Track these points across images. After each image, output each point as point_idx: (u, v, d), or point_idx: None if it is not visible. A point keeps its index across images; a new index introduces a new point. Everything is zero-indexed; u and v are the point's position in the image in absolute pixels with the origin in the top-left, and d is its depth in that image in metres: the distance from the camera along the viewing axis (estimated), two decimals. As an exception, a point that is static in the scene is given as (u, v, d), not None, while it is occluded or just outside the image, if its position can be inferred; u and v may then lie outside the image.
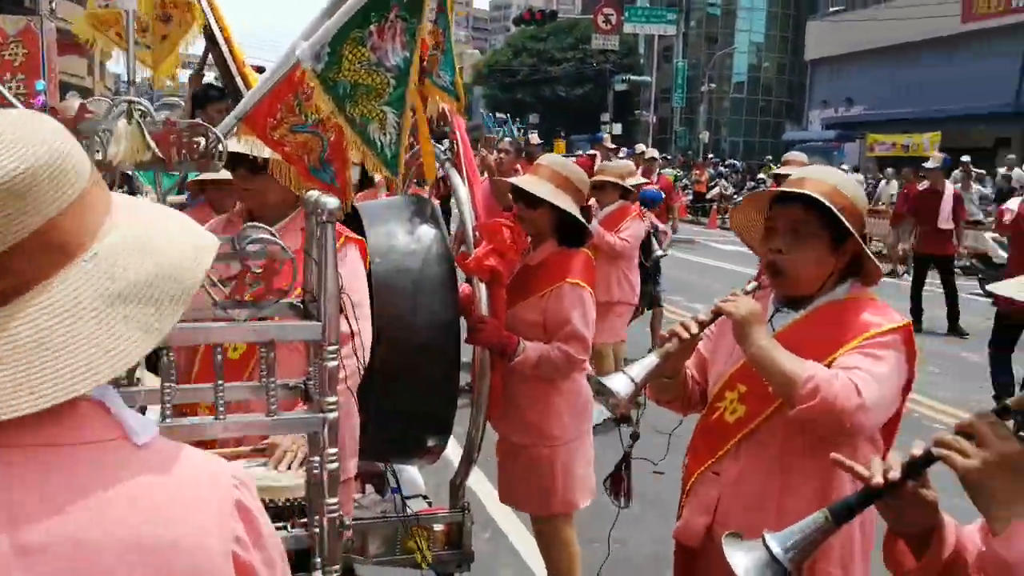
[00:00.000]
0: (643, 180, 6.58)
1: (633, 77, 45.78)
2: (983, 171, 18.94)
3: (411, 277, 2.74)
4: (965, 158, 18.29)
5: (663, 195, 7.87)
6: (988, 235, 14.18)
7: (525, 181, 3.01)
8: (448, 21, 3.06)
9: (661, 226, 7.37)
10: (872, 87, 34.42)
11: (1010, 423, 1.24)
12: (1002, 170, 18.29)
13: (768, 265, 2.02)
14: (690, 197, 26.88)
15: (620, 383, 1.89)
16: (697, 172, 30.45)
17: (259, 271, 1.58)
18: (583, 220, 2.99)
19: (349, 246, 2.51)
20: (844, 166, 25.10)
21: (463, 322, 2.92)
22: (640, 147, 14.81)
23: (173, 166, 1.52)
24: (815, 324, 2.00)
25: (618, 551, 4.03)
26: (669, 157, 32.92)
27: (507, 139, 7.88)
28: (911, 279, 9.77)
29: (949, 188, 9.97)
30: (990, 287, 1.19)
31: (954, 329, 9.37)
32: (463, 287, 3.04)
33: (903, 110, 31.51)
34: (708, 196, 26.84)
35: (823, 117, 36.86)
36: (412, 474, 3.83)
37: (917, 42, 31.19)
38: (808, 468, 1.96)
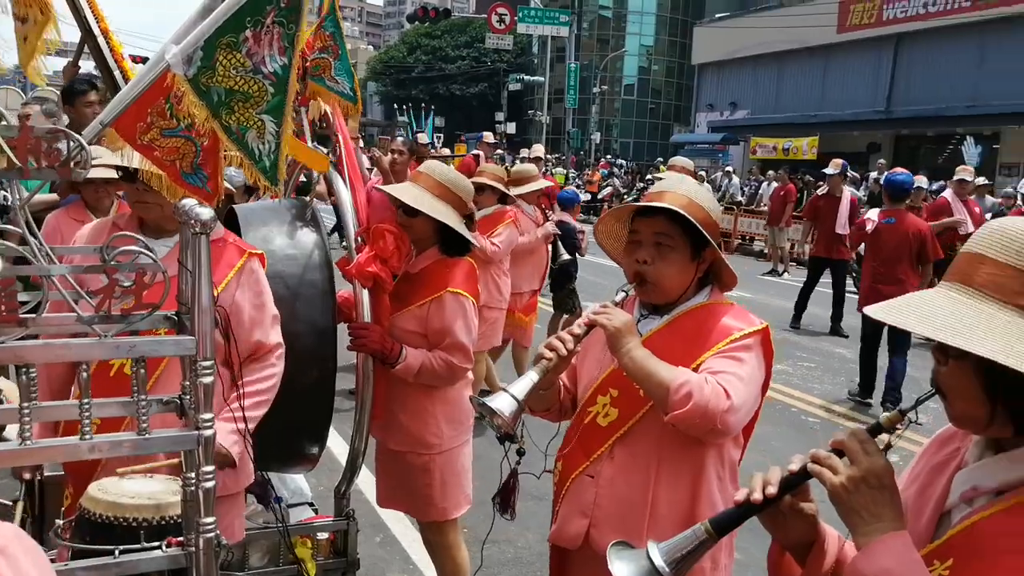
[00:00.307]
0: (548, 183, 6.58)
1: (527, 77, 46.15)
2: (857, 175, 19.91)
3: (288, 282, 2.68)
4: (842, 162, 19.20)
5: (579, 196, 7.90)
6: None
7: (401, 190, 2.97)
8: (338, 24, 3.02)
9: (578, 226, 7.28)
10: (755, 92, 35.73)
11: (888, 436, 1.30)
12: (873, 174, 19.27)
13: (635, 275, 2.10)
14: (585, 197, 27.31)
15: (504, 403, 1.91)
16: (589, 172, 30.99)
17: (129, 284, 1.52)
18: (464, 229, 2.95)
19: (253, 260, 2.45)
20: (728, 167, 26.03)
21: (344, 328, 2.89)
22: (528, 150, 14.98)
23: (32, 174, 1.43)
24: (679, 330, 2.08)
25: (508, 550, 4.07)
26: (562, 156, 33.36)
27: (399, 139, 7.78)
28: (805, 279, 10.00)
29: (847, 194, 10.24)
30: (865, 310, 1.25)
31: (836, 330, 9.73)
32: (342, 293, 3.00)
33: (784, 115, 32.83)
34: (600, 196, 27.31)
35: (709, 120, 38.00)
36: (298, 482, 3.76)
37: (797, 50, 32.53)
38: (680, 468, 2.04)
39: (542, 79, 39.92)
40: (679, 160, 7.63)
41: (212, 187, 1.85)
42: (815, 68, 32.45)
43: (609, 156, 39.23)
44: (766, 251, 17.28)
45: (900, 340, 6.71)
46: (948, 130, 26.65)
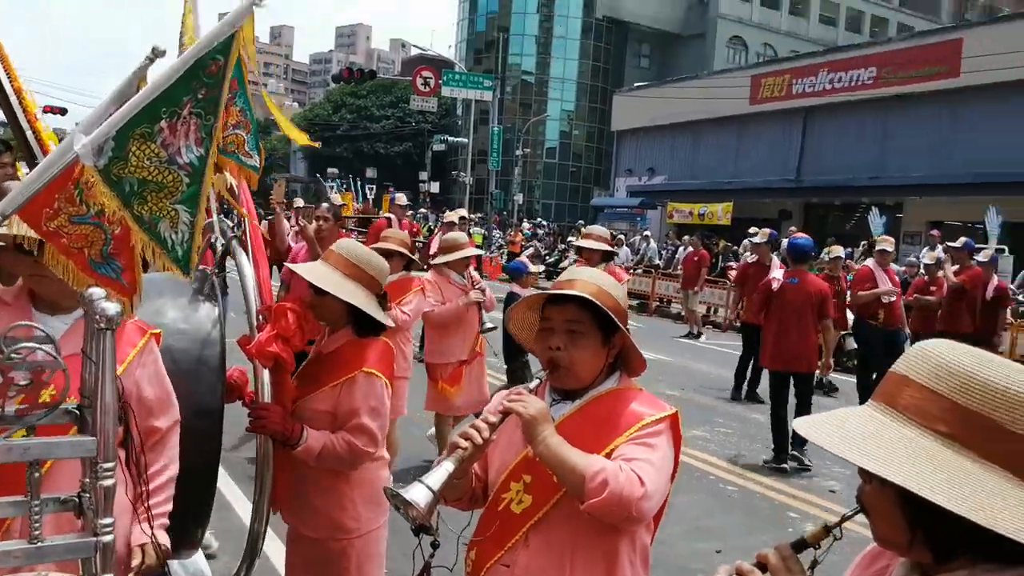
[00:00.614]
0: (479, 252, 6.60)
1: (451, 138, 46.67)
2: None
3: (176, 358, 2.59)
4: (753, 229, 19.88)
5: (527, 266, 7.82)
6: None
7: (309, 270, 2.92)
8: (248, 100, 3.00)
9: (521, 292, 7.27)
10: (672, 159, 36.86)
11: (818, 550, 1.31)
12: (784, 242, 19.93)
13: (548, 361, 2.12)
14: (505, 258, 27.54)
15: (419, 494, 1.88)
16: (512, 233, 31.32)
17: (26, 383, 1.46)
18: (376, 310, 2.88)
19: (152, 340, 2.37)
20: (646, 232, 26.64)
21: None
22: (451, 212, 15.09)
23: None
24: (590, 415, 2.10)
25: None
26: (485, 217, 33.64)
27: (324, 206, 7.67)
28: (742, 349, 9.97)
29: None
30: (797, 427, 1.26)
31: (752, 395, 9.88)
32: (232, 370, 2.91)
33: (699, 181, 33.90)
34: (522, 256, 27.60)
35: (628, 184, 38.94)
36: (198, 563, 3.62)
37: (712, 120, 33.78)
38: (594, 555, 2.04)
39: (466, 140, 40.44)
40: (595, 228, 7.76)
41: (128, 280, 1.80)
42: (729, 137, 33.70)
43: (539, 219, 39.79)
44: (683, 313, 17.66)
45: (804, 400, 7.13)
46: (854, 199, 27.92)
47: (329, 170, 41.68)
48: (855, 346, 13.01)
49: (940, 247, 15.06)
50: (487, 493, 2.22)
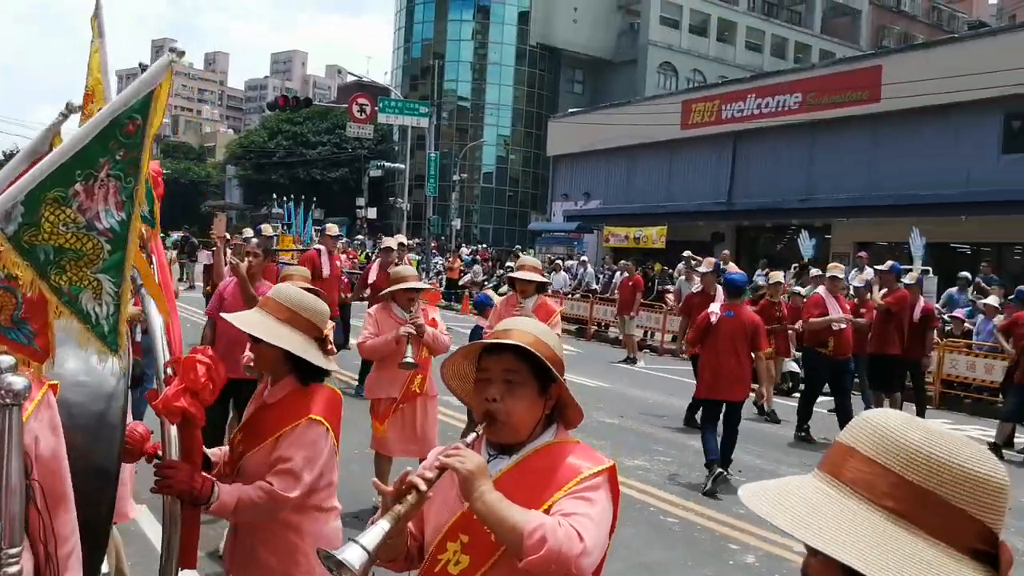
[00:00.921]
0: (423, 285, 6.16)
1: (388, 164, 46.50)
2: (700, 259, 20.93)
3: (72, 411, 2.42)
4: (687, 253, 20.20)
5: (492, 299, 7.75)
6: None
7: (241, 318, 2.84)
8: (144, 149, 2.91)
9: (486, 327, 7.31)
10: (607, 183, 37.29)
11: None
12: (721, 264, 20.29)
13: (485, 414, 2.08)
14: (444, 284, 27.46)
15: (353, 555, 1.80)
16: (450, 259, 31.25)
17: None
18: (315, 355, 2.81)
19: (51, 393, 2.25)
20: (584, 257, 26.85)
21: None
22: (390, 238, 14.95)
23: None
24: (528, 470, 2.07)
25: None
26: (423, 242, 33.54)
27: (253, 241, 7.53)
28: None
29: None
30: (743, 498, 1.23)
31: (689, 421, 9.98)
32: (133, 426, 2.77)
33: (634, 205, 34.34)
34: (461, 283, 27.53)
35: (564, 209, 39.24)
36: None
37: (645, 144, 34.31)
38: None
39: (403, 166, 40.37)
40: (528, 260, 7.86)
41: (41, 345, 1.72)
42: (662, 162, 34.26)
43: (475, 246, 39.80)
44: (620, 338, 17.81)
45: (732, 424, 7.62)
46: (784, 221, 28.58)
47: (275, 211, 41.19)
48: (792, 368, 13.29)
49: (868, 269, 15.51)
50: (423, 553, 2.17)
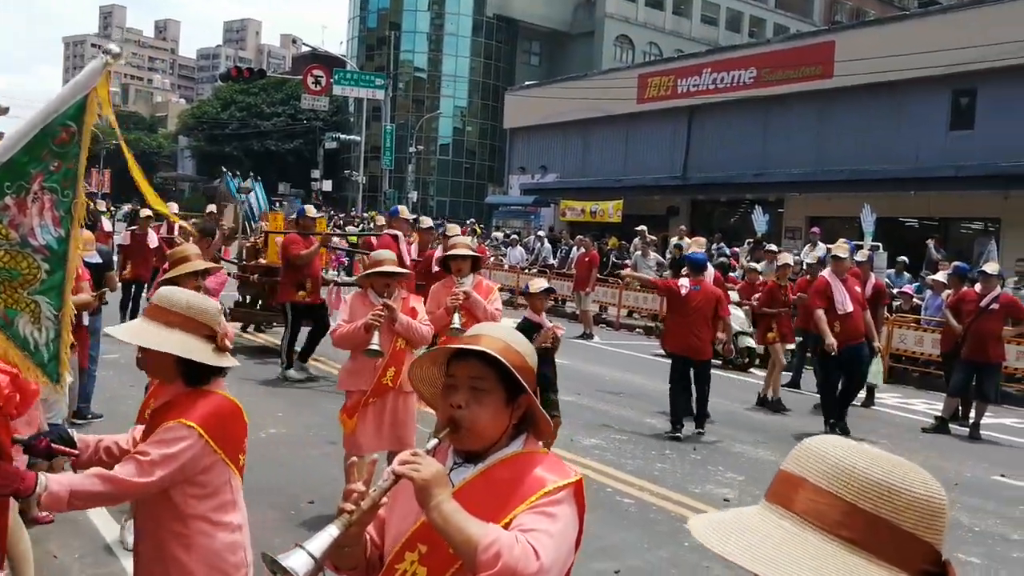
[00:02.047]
0: (399, 270, 5.56)
1: (343, 136, 45.91)
2: (655, 238, 21.11)
3: None
4: (641, 227, 20.30)
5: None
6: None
7: (123, 329, 2.76)
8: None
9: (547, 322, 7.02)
10: (564, 157, 37.27)
11: None
12: (674, 239, 20.43)
13: (449, 420, 2.04)
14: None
15: (299, 561, 1.77)
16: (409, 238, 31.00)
17: None
18: (203, 353, 2.70)
19: None
20: (540, 232, 26.84)
21: None
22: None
23: None
24: (492, 480, 2.02)
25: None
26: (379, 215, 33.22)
27: (192, 221, 7.37)
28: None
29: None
30: (694, 531, 1.20)
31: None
32: None
33: (590, 179, 34.40)
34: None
35: (521, 182, 39.16)
36: None
37: (601, 118, 34.31)
38: None
39: (358, 138, 39.86)
40: (459, 238, 7.65)
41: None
42: (618, 136, 34.30)
43: (440, 220, 39.56)
44: (577, 313, 17.89)
45: (702, 381, 8.60)
46: (739, 196, 28.87)
47: (243, 184, 39.24)
48: (749, 344, 13.47)
49: (821, 245, 15.73)
50: (384, 562, 2.14)
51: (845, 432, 8.75)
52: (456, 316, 6.09)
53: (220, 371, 2.82)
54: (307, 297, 10.05)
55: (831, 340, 8.76)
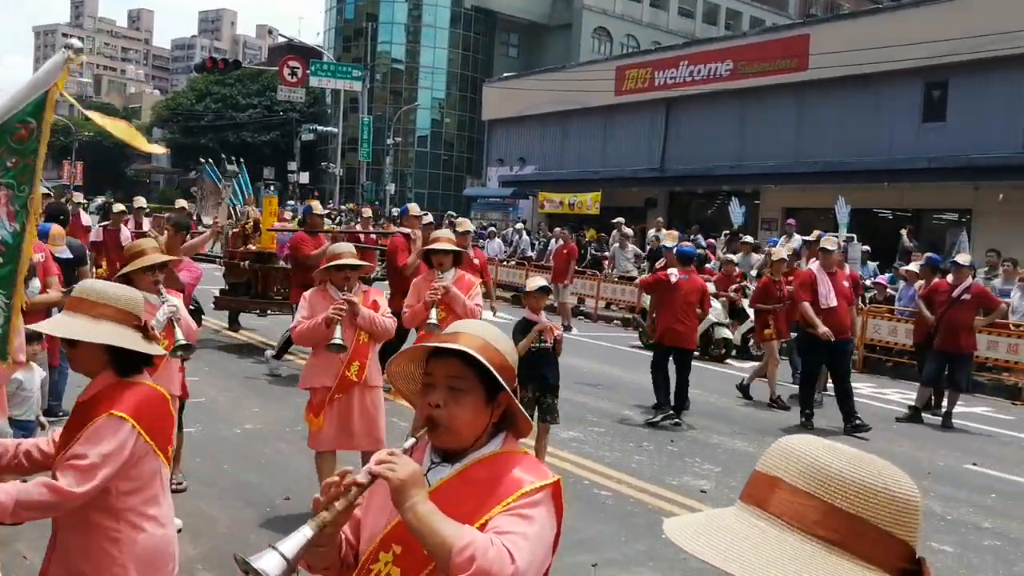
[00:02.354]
0: (358, 262, 5.42)
1: (320, 128, 45.63)
2: (631, 230, 21.16)
3: None
4: (619, 220, 20.35)
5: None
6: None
7: (51, 324, 2.75)
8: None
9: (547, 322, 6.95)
10: (542, 149, 37.25)
11: None
12: (652, 231, 20.52)
13: (427, 419, 2.02)
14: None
15: (271, 563, 1.75)
16: (385, 225, 30.89)
17: None
18: (132, 341, 2.68)
19: None
20: (520, 224, 26.84)
21: None
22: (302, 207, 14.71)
23: None
24: (470, 480, 2.01)
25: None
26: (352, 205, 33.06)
27: (166, 215, 7.29)
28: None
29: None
30: (669, 533, 1.19)
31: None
32: None
33: (569, 171, 34.41)
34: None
35: (500, 174, 39.12)
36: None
37: (579, 110, 34.33)
38: None
39: (335, 130, 39.64)
40: (443, 231, 7.43)
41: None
42: (596, 128, 34.33)
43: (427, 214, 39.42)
44: (555, 305, 17.88)
45: (684, 368, 8.87)
46: (715, 188, 28.99)
47: (228, 167, 37.75)
48: (726, 335, 13.54)
49: (797, 237, 15.83)
50: (358, 561, 2.12)
51: (863, 427, 8.79)
52: (434, 311, 6.05)
53: (149, 361, 2.80)
54: None
55: (823, 328, 8.66)
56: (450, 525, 1.84)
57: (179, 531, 4.93)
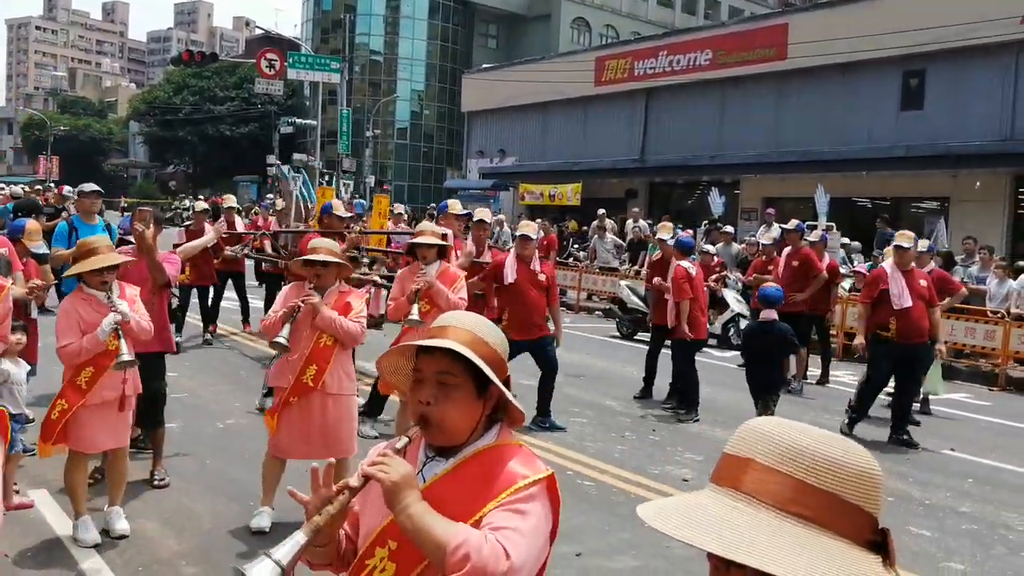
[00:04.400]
0: (328, 258, 5.13)
1: (299, 120, 45.30)
2: (611, 221, 21.21)
3: None
4: (601, 211, 20.39)
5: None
6: (623, 282, 15.82)
7: None
8: None
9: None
10: (522, 140, 37.20)
11: None
12: (630, 222, 20.58)
13: (419, 417, 2.02)
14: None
15: (265, 570, 1.76)
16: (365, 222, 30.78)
17: None
18: None
19: None
20: (501, 215, 26.79)
21: None
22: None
23: None
24: (465, 475, 2.00)
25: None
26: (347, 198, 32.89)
27: (148, 208, 7.18)
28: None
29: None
30: (648, 518, 1.21)
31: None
32: None
33: (549, 162, 34.39)
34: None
35: (480, 166, 39.02)
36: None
37: (559, 101, 34.29)
38: None
39: (314, 122, 39.34)
40: (426, 224, 7.22)
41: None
42: (576, 119, 34.32)
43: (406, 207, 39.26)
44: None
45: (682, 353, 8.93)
46: (695, 178, 29.09)
47: (296, 156, 34.91)
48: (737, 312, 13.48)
49: (776, 226, 15.91)
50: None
51: (910, 444, 8.11)
52: (415, 307, 5.99)
53: None
54: None
55: (860, 340, 8.42)
56: (444, 524, 1.84)
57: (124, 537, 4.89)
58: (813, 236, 11.70)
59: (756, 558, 1.09)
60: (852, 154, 23.26)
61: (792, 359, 10.61)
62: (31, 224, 7.45)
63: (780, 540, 1.11)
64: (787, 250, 11.29)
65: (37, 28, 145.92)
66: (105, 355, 4.71)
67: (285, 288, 5.46)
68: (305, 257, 5.16)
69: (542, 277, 8.04)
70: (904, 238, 8.45)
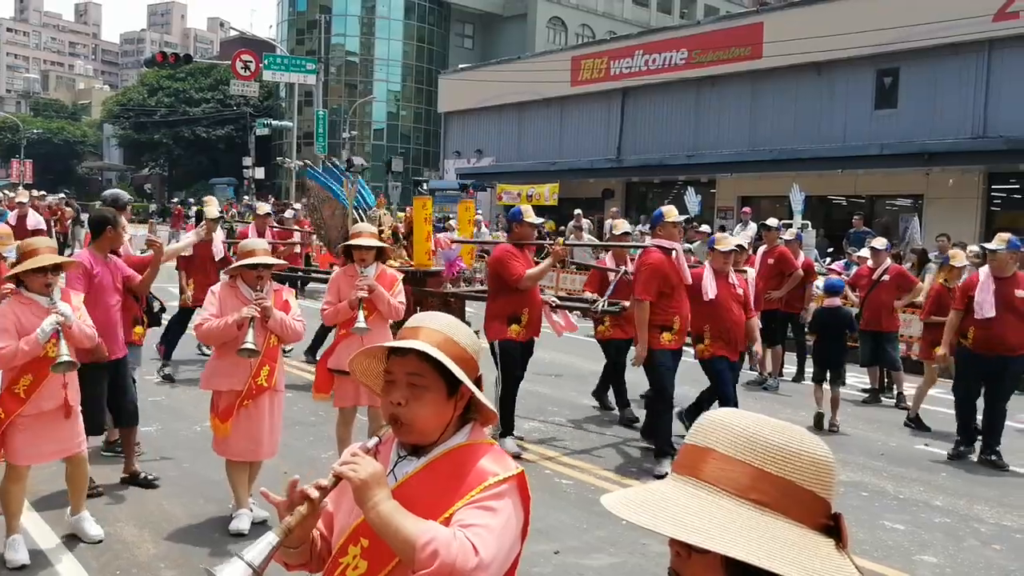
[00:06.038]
0: (271, 260, 5.26)
1: (275, 122, 45.05)
2: (588, 221, 21.28)
3: None
4: (577, 211, 20.45)
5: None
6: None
7: None
8: None
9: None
10: (499, 140, 37.21)
11: None
12: (608, 221, 20.63)
13: (390, 417, 2.03)
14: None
15: (236, 571, 1.76)
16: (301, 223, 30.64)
17: None
18: None
19: None
20: (479, 215, 26.75)
21: None
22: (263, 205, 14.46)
23: None
24: (436, 473, 2.02)
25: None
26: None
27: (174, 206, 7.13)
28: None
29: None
30: (612, 508, 1.23)
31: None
32: None
33: (526, 162, 34.44)
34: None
35: (457, 167, 38.99)
36: None
37: (535, 101, 34.35)
38: None
39: (290, 124, 39.17)
40: (363, 226, 6.68)
41: None
42: (553, 119, 34.39)
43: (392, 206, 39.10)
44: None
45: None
46: (672, 177, 29.23)
47: (353, 159, 34.53)
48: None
49: (752, 225, 16.05)
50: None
51: (1000, 466, 7.52)
52: (361, 314, 5.76)
53: None
54: None
55: (942, 351, 8.05)
56: (413, 522, 1.86)
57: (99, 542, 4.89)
58: (788, 235, 11.79)
59: (716, 542, 1.14)
60: (827, 152, 23.48)
61: (768, 356, 10.78)
62: (2, 228, 7.38)
63: (739, 525, 1.16)
64: (763, 248, 11.40)
65: (8, 30, 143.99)
66: (44, 361, 4.51)
67: (217, 289, 5.27)
68: (252, 260, 5.11)
69: (739, 291, 7.55)
70: (1000, 240, 7.63)
